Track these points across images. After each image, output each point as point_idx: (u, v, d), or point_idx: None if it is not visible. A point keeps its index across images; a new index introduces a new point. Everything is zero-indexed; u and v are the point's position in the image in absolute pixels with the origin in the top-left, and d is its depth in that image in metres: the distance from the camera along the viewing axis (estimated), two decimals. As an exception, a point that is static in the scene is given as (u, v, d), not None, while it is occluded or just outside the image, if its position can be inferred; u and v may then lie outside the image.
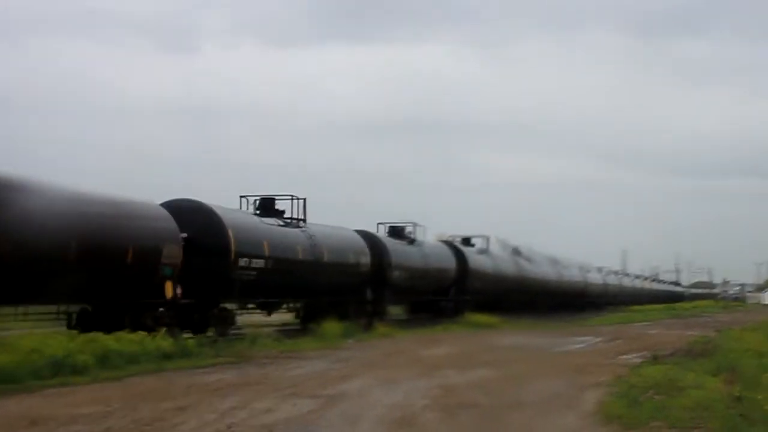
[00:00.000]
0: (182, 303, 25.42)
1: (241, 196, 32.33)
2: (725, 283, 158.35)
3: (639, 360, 24.22)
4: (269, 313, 32.80)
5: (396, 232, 43.69)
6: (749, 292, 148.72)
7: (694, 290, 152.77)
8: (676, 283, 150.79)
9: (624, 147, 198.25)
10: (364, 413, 14.15)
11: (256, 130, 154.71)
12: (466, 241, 53.19)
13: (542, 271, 63.92)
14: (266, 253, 29.36)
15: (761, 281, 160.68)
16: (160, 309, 24.94)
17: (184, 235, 25.89)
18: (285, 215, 32.94)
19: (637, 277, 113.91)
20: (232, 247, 27.62)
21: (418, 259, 43.38)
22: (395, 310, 44.21)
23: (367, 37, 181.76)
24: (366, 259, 37.53)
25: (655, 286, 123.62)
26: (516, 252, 61.39)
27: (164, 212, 25.55)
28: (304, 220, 33.42)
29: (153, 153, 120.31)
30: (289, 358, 23.90)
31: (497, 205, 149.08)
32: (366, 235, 39.07)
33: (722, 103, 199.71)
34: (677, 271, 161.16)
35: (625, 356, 26.07)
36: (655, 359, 23.76)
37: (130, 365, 20.03)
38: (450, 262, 47.82)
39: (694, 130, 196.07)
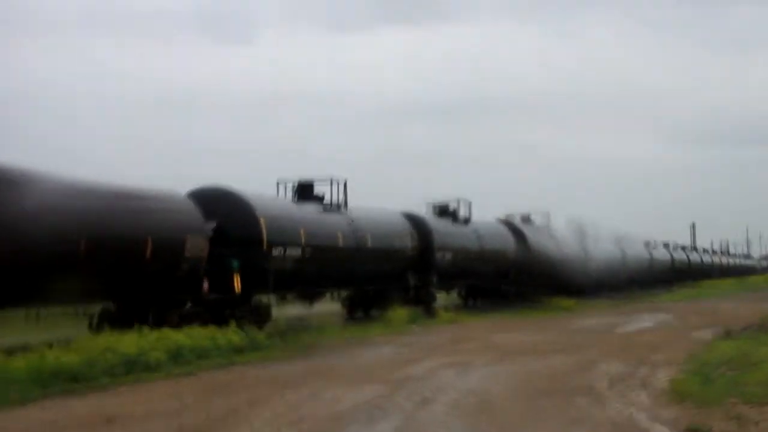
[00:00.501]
0: (210, 298, 24.51)
1: (278, 182, 31.26)
2: None
3: (711, 336, 24.63)
4: (311, 304, 31.70)
5: (444, 211, 41.95)
6: None
7: (766, 262, 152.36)
8: (747, 256, 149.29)
9: (689, 120, 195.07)
10: (436, 398, 14.61)
11: (312, 117, 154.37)
12: (526, 218, 51.50)
13: (607, 247, 61.73)
14: (303, 241, 28.42)
15: None
16: (188, 305, 24.09)
17: (212, 224, 24.89)
18: (325, 200, 32.12)
19: (706, 251, 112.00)
20: (264, 236, 26.62)
21: (469, 240, 41.78)
22: (451, 297, 43.32)
23: (421, 17, 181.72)
24: (412, 242, 36.31)
25: (726, 259, 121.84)
26: (579, 228, 59.06)
27: (187, 201, 24.79)
28: (346, 204, 32.35)
29: (213, 145, 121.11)
30: (355, 345, 24.65)
31: (560, 183, 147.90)
32: (411, 217, 37.56)
33: None
34: (748, 243, 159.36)
35: (697, 332, 26.44)
36: (728, 334, 24.15)
37: (202, 360, 20.71)
38: (508, 241, 45.85)
39: (758, 98, 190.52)
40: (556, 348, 23.23)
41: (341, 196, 32.42)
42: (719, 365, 17.42)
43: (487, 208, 49.75)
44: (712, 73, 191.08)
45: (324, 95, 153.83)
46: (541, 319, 37.16)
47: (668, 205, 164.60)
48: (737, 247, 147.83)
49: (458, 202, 42.69)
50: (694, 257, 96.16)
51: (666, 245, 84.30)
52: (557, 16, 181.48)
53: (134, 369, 18.90)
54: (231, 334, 22.97)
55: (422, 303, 36.44)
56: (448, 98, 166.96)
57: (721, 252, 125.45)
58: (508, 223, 47.76)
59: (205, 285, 24.22)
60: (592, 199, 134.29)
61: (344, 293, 34.05)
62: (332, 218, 31.20)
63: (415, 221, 37.41)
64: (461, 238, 41.23)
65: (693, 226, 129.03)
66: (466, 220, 42.67)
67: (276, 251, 27.01)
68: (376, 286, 34.00)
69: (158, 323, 21.98)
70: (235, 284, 25.48)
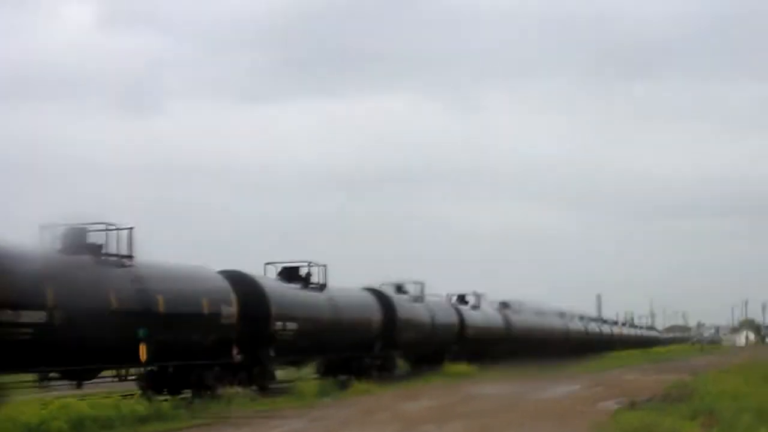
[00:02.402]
0: None
1: (42, 227, 26.79)
2: (700, 326, 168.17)
3: (617, 406, 25.85)
4: (79, 386, 27.00)
5: (292, 275, 38.26)
6: (724, 334, 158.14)
7: (669, 334, 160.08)
8: (651, 327, 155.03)
9: (592, 191, 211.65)
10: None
11: (223, 186, 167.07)
12: (399, 288, 49.90)
13: (491, 318, 61.13)
14: (50, 302, 23.74)
15: (736, 323, 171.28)
16: None
17: None
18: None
19: (606, 321, 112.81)
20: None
21: (322, 308, 38.46)
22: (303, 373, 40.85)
23: (331, 91, 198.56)
24: (230, 308, 31.66)
25: (631, 330, 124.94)
26: (461, 300, 59.15)
27: None
28: (130, 257, 27.65)
29: (119, 214, 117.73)
30: (265, 417, 25.21)
31: (465, 255, 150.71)
32: (234, 277, 33.25)
33: (687, 142, 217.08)
34: (652, 315, 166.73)
35: (602, 403, 27.76)
36: (632, 405, 25.38)
37: (105, 430, 21.46)
38: (373, 311, 43.53)
39: (663, 171, 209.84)
40: (461, 415, 24.70)
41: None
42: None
43: (376, 278, 48.44)
44: (618, 148, 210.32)
45: (237, 165, 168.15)
46: (447, 385, 39.25)
47: (574, 277, 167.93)
48: (642, 319, 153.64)
49: (304, 263, 39.42)
50: (593, 327, 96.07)
51: (562, 314, 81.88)
52: (464, 91, 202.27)
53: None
54: (135, 404, 23.91)
55: (255, 382, 32.59)
56: (355, 168, 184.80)
57: (625, 323, 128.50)
58: (375, 291, 45.85)
59: None
60: (496, 269, 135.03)
61: (134, 371, 29.15)
62: (109, 274, 26.75)
63: (239, 282, 33.19)
64: (311, 306, 38.07)
65: (598, 297, 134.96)
66: (321, 286, 39.56)
67: (5, 315, 22.52)
68: (177, 362, 29.44)
69: None
70: (141, 354, 25.84)
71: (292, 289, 36.85)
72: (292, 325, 34.96)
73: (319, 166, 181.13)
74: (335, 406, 28.87)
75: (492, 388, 35.60)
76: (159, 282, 28.12)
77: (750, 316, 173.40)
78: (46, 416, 20.36)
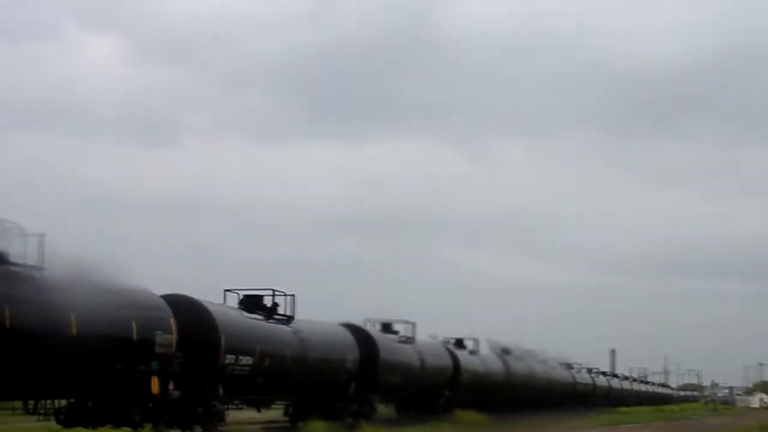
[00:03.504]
0: None
1: None
2: (714, 385, 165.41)
3: None
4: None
5: (253, 303, 33.84)
6: (738, 395, 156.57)
7: (682, 392, 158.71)
8: (665, 385, 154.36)
9: (609, 249, 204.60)
10: None
11: (235, 224, 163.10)
12: (387, 326, 46.17)
13: (489, 364, 57.59)
14: None
15: (750, 384, 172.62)
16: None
17: None
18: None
19: (617, 375, 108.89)
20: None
21: (285, 342, 33.97)
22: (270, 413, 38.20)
23: (346, 135, 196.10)
24: (168, 336, 27.21)
25: (644, 387, 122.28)
26: (459, 344, 55.12)
27: None
28: (39, 268, 23.61)
29: (134, 248, 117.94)
30: None
31: (480, 305, 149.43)
32: (176, 301, 28.67)
33: (704, 203, 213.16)
34: (666, 372, 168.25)
35: None
36: None
37: None
38: (349, 349, 39.32)
39: (680, 231, 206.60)
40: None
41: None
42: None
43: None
44: (636, 206, 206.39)
45: (249, 204, 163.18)
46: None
47: (587, 332, 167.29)
48: (655, 377, 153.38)
49: (267, 290, 35.02)
50: (602, 380, 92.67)
51: (569, 366, 78.99)
52: (479, 142, 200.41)
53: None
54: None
55: (199, 423, 28.63)
56: (372, 215, 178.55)
57: (637, 379, 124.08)
58: (353, 328, 41.45)
59: None
60: (504, 319, 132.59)
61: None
62: (3, 285, 22.66)
63: (183, 308, 28.73)
64: (272, 340, 33.56)
65: (612, 352, 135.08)
66: (287, 318, 35.29)
67: None
68: (96, 395, 25.49)
69: None
70: (153, 386, 25.77)
71: (251, 319, 32.55)
72: (246, 360, 30.73)
73: (332, 208, 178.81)
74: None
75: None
76: (74, 299, 23.92)
77: (765, 378, 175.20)
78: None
